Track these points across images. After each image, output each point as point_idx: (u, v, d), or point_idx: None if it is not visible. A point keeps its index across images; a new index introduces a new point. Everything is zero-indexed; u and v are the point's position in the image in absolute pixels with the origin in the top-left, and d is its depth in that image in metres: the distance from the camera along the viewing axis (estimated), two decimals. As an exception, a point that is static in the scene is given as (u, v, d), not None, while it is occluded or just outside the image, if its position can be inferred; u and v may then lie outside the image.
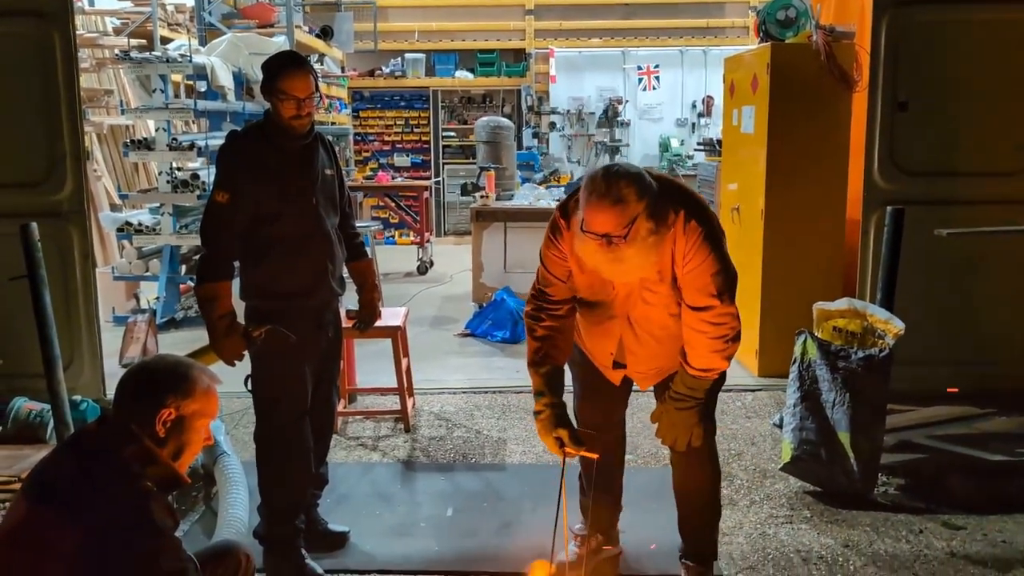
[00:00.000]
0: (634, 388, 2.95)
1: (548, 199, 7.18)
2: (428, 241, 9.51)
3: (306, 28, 9.67)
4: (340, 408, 4.46)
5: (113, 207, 7.89)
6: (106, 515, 1.70)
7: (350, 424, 4.66)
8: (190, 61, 6.85)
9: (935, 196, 4.50)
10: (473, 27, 12.01)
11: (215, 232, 2.92)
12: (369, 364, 5.20)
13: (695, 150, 10.82)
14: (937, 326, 4.46)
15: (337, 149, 3.36)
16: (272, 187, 2.88)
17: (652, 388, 2.87)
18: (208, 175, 6.71)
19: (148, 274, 6.92)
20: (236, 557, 2.22)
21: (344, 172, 3.44)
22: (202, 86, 7.75)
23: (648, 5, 11.71)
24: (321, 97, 4.09)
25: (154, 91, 6.96)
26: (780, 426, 3.98)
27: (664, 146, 11.07)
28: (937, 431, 4.10)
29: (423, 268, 9.24)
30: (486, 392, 5.15)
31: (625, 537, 3.20)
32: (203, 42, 8.49)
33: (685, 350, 2.55)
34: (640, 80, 11.41)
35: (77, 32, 4.59)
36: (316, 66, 7.05)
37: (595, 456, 2.65)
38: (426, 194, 9.52)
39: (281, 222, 2.91)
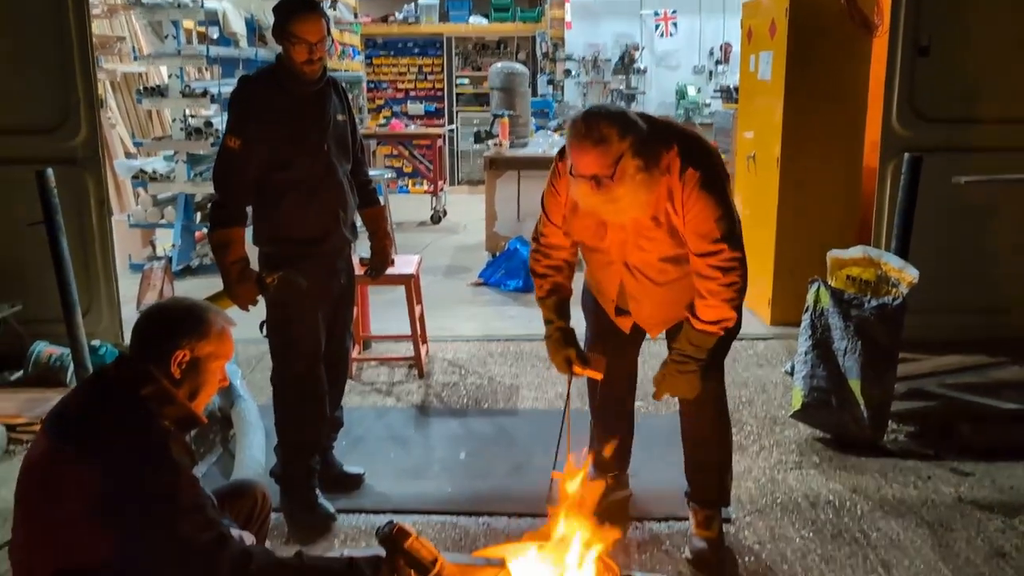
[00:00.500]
0: (646, 338, 2.96)
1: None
2: (442, 190, 9.48)
3: (318, -27, 9.52)
4: (355, 354, 4.52)
5: (128, 155, 7.91)
6: (124, 452, 1.74)
7: (365, 370, 4.72)
8: (202, 6, 6.80)
9: (954, 143, 4.45)
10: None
11: (227, 178, 2.92)
12: (383, 312, 5.24)
13: (712, 98, 10.70)
14: (952, 274, 4.43)
15: (350, 96, 3.34)
16: (284, 132, 2.87)
17: (664, 336, 2.88)
18: (221, 122, 6.68)
19: (163, 222, 6.96)
20: (253, 495, 2.28)
21: (357, 120, 3.42)
22: (214, 32, 7.70)
23: (667, -52, 11.45)
24: (333, 42, 4.04)
25: (166, 37, 6.92)
26: (791, 374, 3.99)
27: (681, 94, 10.93)
28: (949, 379, 4.10)
29: (436, 217, 9.22)
30: (499, 340, 5.18)
31: (635, 481, 3.24)
32: (214, -13, 8.39)
33: (694, 302, 2.55)
34: (657, 26, 11.20)
35: (88, -23, 4.56)
36: (328, 11, 6.97)
37: (599, 376, 2.77)
38: (440, 142, 9.47)
39: (293, 168, 2.90)
